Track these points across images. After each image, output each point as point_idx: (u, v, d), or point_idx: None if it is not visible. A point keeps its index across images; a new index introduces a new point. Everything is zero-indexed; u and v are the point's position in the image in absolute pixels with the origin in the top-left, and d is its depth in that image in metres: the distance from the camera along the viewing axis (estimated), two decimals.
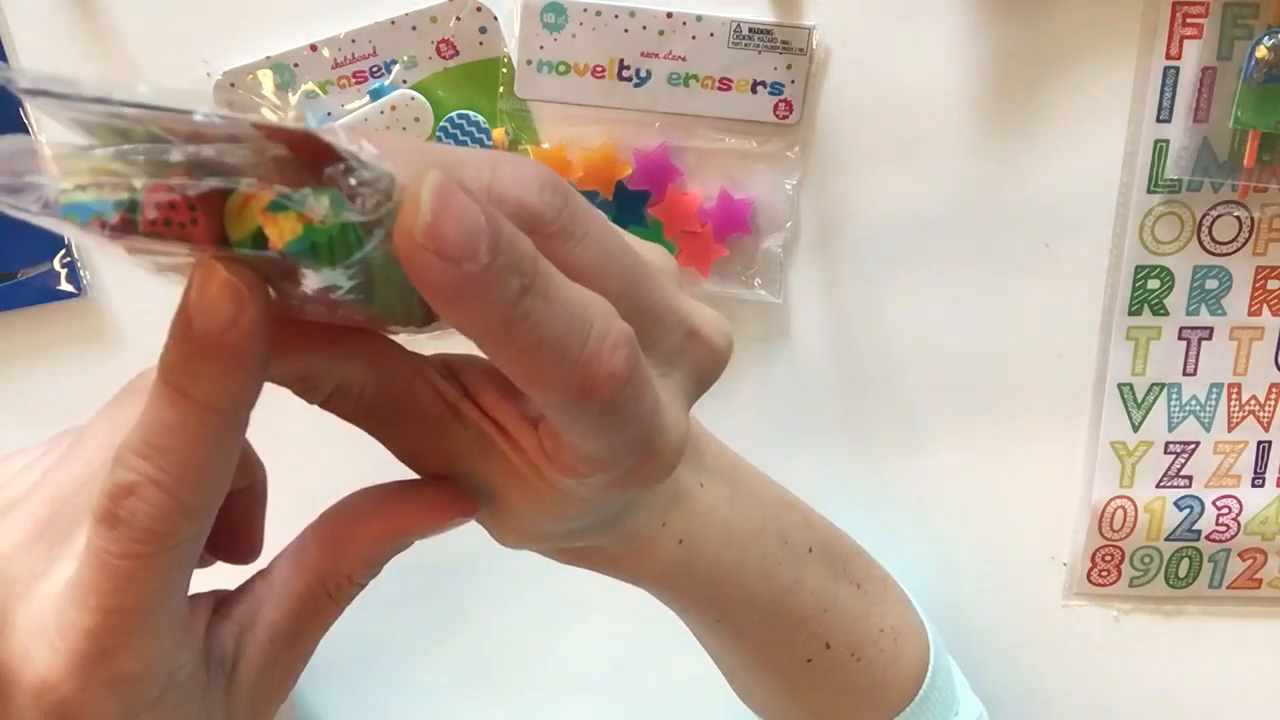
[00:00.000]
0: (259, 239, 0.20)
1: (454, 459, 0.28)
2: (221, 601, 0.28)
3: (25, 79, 0.18)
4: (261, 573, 0.29)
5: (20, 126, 0.49)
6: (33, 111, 0.49)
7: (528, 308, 0.20)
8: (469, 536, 0.31)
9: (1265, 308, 0.52)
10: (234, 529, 0.31)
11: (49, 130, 0.50)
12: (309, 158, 0.19)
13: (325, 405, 0.27)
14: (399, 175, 0.20)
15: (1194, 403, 0.53)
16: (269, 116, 0.19)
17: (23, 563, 0.26)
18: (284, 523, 0.31)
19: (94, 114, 0.19)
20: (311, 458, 0.46)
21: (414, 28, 0.48)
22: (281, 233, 0.19)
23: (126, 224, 0.20)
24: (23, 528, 0.26)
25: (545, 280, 0.21)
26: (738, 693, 0.44)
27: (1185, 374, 0.53)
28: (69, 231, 0.20)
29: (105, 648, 0.24)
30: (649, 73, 0.48)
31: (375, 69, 0.49)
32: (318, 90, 0.49)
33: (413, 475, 0.29)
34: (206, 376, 0.22)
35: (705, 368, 0.27)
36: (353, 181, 0.19)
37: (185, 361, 0.22)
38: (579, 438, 0.24)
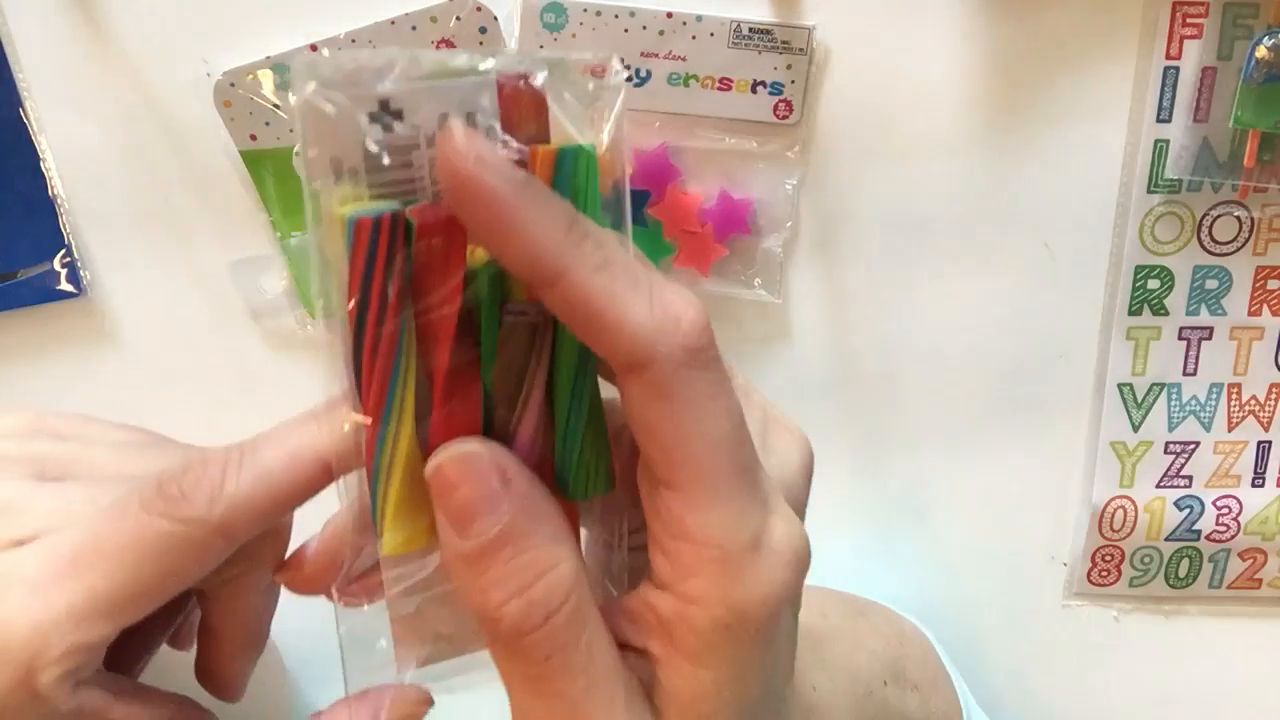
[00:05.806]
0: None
1: None
2: None
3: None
4: None
5: (21, 125, 0.49)
6: (33, 112, 0.49)
7: None
8: None
9: (1265, 308, 0.52)
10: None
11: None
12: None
13: None
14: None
15: (1194, 403, 0.53)
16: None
17: None
18: None
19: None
20: None
21: (414, 28, 0.48)
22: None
23: (396, 222, 0.24)
24: None
25: None
26: None
27: (1185, 374, 0.53)
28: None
29: None
30: (649, 73, 0.48)
31: None
32: None
33: None
34: None
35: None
36: None
37: None
38: None
